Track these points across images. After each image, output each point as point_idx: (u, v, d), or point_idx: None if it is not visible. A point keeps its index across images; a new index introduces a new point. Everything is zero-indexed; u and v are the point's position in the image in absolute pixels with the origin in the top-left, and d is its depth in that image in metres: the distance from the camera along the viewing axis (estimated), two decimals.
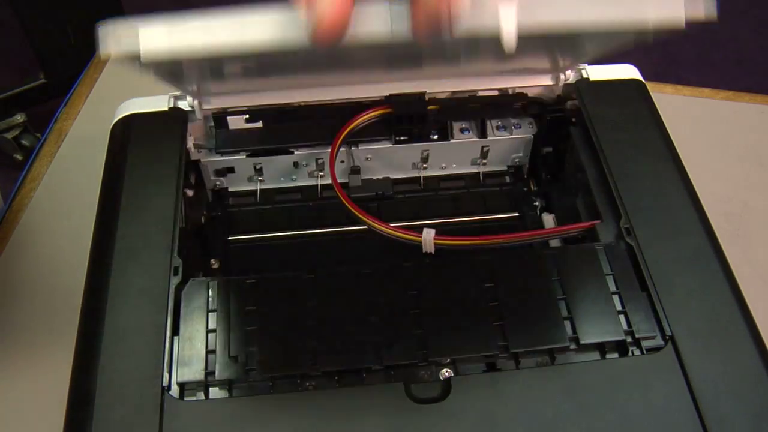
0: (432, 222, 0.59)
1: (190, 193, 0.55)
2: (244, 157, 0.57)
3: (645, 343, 0.43)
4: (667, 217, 0.48)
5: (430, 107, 0.56)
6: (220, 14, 0.34)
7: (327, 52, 0.39)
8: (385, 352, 0.43)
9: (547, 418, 0.40)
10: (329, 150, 0.54)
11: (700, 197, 0.50)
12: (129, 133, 0.53)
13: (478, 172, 0.61)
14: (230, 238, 0.57)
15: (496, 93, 0.58)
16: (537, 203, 0.60)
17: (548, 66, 0.55)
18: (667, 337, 0.43)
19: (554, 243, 0.55)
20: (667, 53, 1.76)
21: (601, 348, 0.44)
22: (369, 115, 0.56)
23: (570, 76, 0.57)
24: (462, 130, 0.59)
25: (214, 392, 0.42)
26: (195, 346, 0.43)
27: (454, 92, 0.57)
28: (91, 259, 0.47)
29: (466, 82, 0.57)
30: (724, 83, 0.94)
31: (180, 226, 0.48)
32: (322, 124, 0.56)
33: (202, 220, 0.56)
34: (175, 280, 0.45)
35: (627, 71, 0.58)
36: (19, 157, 1.51)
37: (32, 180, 0.69)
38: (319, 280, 0.46)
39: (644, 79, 0.58)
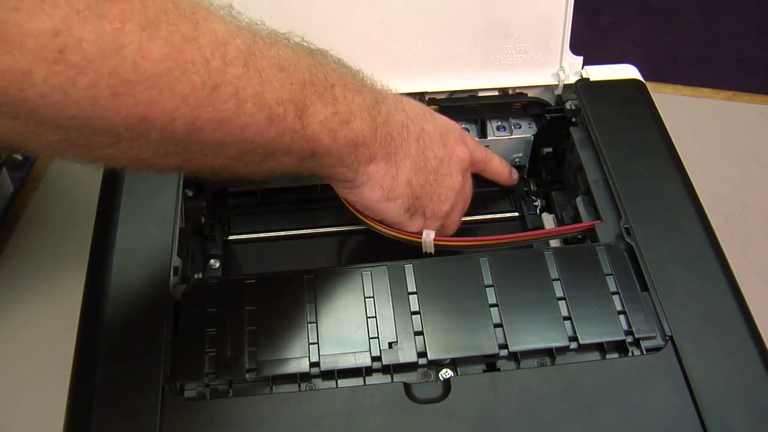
0: None
1: (190, 193, 0.55)
2: None
3: (645, 343, 0.43)
4: (667, 217, 0.48)
5: (430, 107, 0.56)
6: None
7: None
8: (385, 352, 0.43)
9: (547, 418, 0.40)
10: None
11: (700, 197, 0.50)
12: None
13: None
14: (230, 238, 0.57)
15: (496, 93, 0.58)
16: (537, 203, 0.60)
17: None
18: (667, 337, 0.43)
19: (554, 243, 0.55)
20: (667, 53, 1.76)
21: (601, 348, 0.44)
22: None
23: (570, 76, 0.57)
24: None
25: (214, 392, 0.42)
26: (195, 346, 0.43)
27: (454, 92, 0.57)
28: (91, 259, 0.47)
29: (466, 82, 0.57)
30: (724, 83, 0.94)
31: (180, 226, 0.48)
32: None
33: (202, 220, 0.56)
34: (175, 280, 0.45)
35: (627, 71, 0.58)
36: (19, 157, 1.50)
37: (32, 180, 0.69)
38: (319, 280, 0.46)
39: (644, 79, 0.58)
